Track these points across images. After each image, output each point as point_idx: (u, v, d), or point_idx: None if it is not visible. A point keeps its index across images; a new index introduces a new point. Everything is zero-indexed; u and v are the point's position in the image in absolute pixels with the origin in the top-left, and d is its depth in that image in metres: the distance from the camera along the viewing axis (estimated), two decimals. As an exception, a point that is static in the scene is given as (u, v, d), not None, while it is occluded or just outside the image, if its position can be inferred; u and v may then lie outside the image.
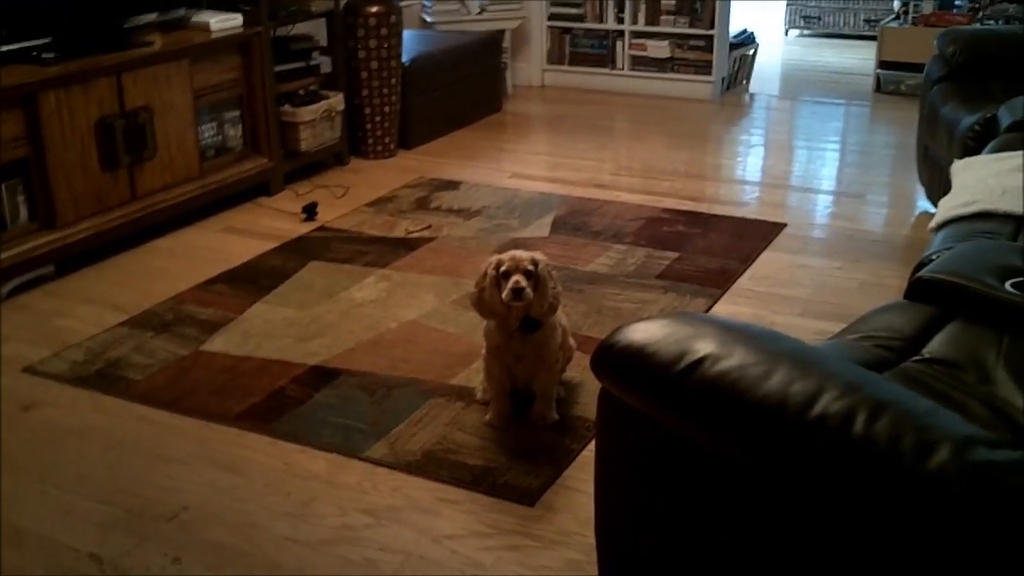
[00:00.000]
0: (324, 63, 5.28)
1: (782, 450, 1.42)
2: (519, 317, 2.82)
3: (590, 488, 2.63)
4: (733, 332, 1.62)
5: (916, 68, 6.78)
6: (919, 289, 2.40)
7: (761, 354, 1.53)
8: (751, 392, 1.46)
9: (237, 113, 4.76)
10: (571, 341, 3.10)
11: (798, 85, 7.62)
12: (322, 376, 3.20)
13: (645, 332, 1.67)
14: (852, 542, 1.37)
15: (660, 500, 1.71)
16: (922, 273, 2.43)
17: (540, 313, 2.83)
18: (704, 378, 1.52)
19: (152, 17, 4.40)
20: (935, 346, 2.19)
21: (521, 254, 2.81)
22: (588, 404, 3.02)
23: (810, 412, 1.40)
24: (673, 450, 1.63)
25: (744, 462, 1.49)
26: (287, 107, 4.99)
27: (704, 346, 1.56)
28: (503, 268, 2.78)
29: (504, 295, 2.75)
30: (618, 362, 1.67)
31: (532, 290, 2.75)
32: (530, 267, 2.77)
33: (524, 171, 5.35)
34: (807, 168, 5.64)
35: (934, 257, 2.64)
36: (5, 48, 3.79)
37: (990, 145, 3.61)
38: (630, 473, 1.81)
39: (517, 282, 2.74)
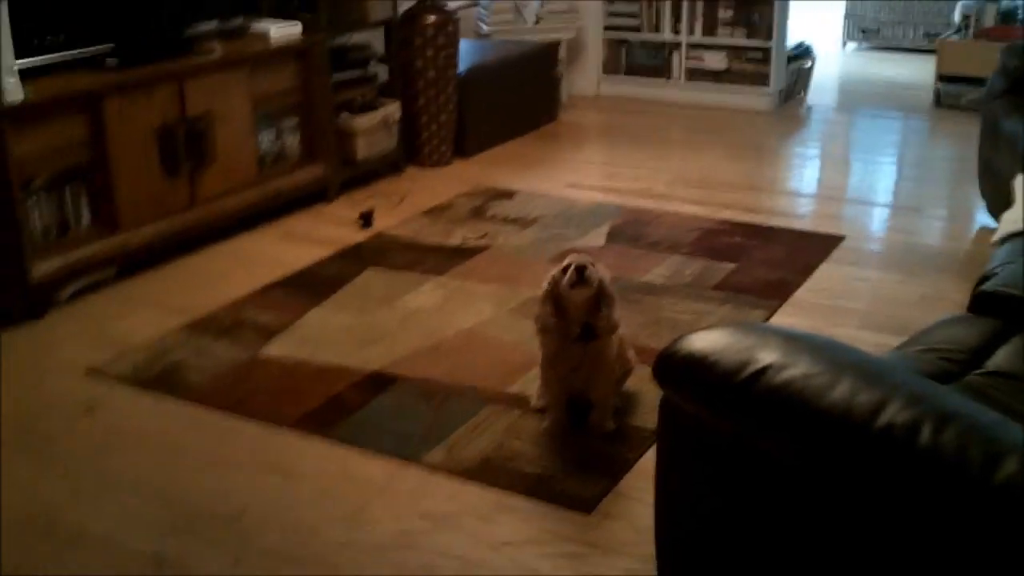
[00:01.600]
0: (381, 72, 5.31)
1: (847, 459, 1.41)
2: (581, 321, 2.81)
3: (647, 497, 2.62)
4: (796, 342, 1.62)
5: (976, 82, 6.70)
6: (983, 302, 2.37)
7: (825, 364, 1.53)
8: (816, 401, 1.46)
9: (295, 121, 4.79)
10: (630, 353, 3.08)
11: (856, 98, 7.55)
12: (379, 382, 3.20)
13: (707, 341, 1.67)
14: (918, 551, 1.36)
15: (721, 508, 1.70)
16: (985, 286, 2.39)
17: (605, 326, 2.82)
18: (768, 387, 1.51)
19: (213, 25, 4.45)
20: (999, 359, 2.16)
21: (579, 255, 2.83)
22: (645, 414, 3.00)
23: (876, 422, 1.39)
24: (735, 458, 1.62)
25: (808, 470, 1.48)
26: (345, 115, 5.02)
27: (767, 355, 1.56)
28: (563, 264, 2.79)
29: (566, 279, 2.74)
30: (680, 370, 1.67)
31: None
32: (590, 260, 2.78)
33: (580, 180, 5.34)
34: (865, 181, 5.58)
35: (997, 271, 2.59)
36: (70, 54, 3.84)
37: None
38: (691, 481, 1.80)
39: (579, 263, 2.74)
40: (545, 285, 2.83)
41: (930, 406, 1.39)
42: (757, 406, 1.52)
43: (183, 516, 2.59)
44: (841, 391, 1.45)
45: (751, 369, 1.54)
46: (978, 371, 2.14)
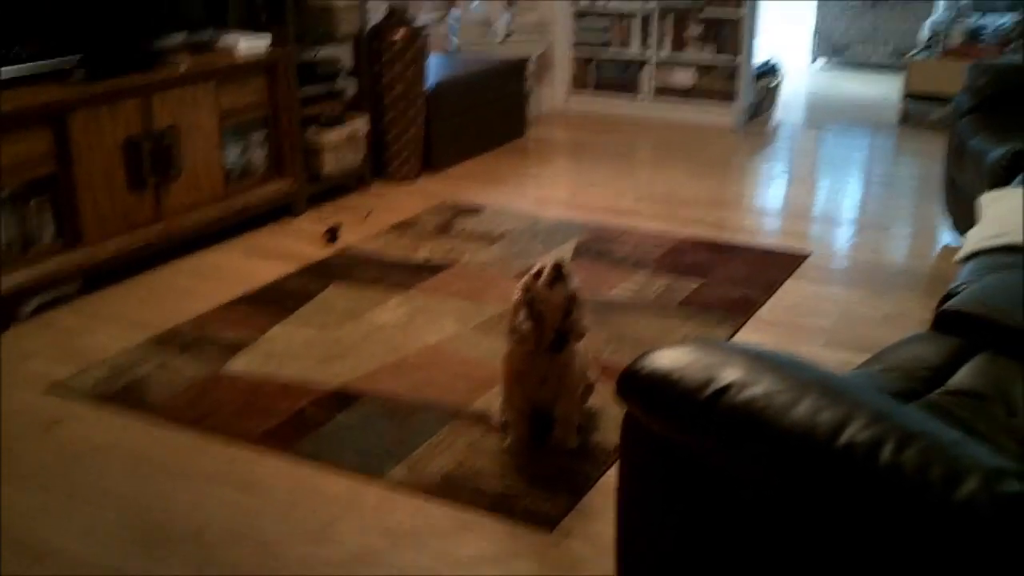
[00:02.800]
0: (349, 86, 5.33)
1: (809, 477, 1.42)
2: (555, 328, 2.81)
3: (609, 515, 2.63)
4: (760, 360, 1.63)
5: (943, 100, 6.79)
6: (946, 320, 2.39)
7: (788, 382, 1.54)
8: (778, 420, 1.47)
9: (262, 135, 4.79)
10: (590, 373, 3.08)
11: (823, 115, 7.63)
12: (343, 398, 3.20)
13: (671, 358, 1.67)
14: (879, 570, 1.37)
15: (684, 526, 1.70)
16: (949, 304, 2.42)
17: (577, 332, 2.83)
18: (731, 405, 1.52)
19: (180, 38, 4.45)
20: (961, 378, 2.18)
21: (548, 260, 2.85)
22: (607, 431, 3.01)
23: (837, 440, 1.39)
24: (698, 476, 1.62)
25: (771, 489, 1.49)
26: (312, 129, 5.02)
27: (731, 373, 1.57)
28: (534, 269, 2.80)
29: (542, 279, 2.74)
30: (644, 387, 1.67)
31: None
32: (562, 259, 2.80)
33: (547, 196, 5.37)
34: (831, 198, 5.63)
35: (961, 289, 2.62)
36: (36, 65, 3.83)
37: (1019, 177, 3.60)
38: (653, 498, 1.80)
39: (556, 261, 2.76)
40: (518, 292, 2.82)
41: (892, 424, 1.40)
42: (720, 424, 1.53)
43: (146, 531, 2.58)
44: (804, 409, 1.46)
45: (714, 387, 1.55)
46: (940, 390, 2.15)
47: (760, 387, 1.52)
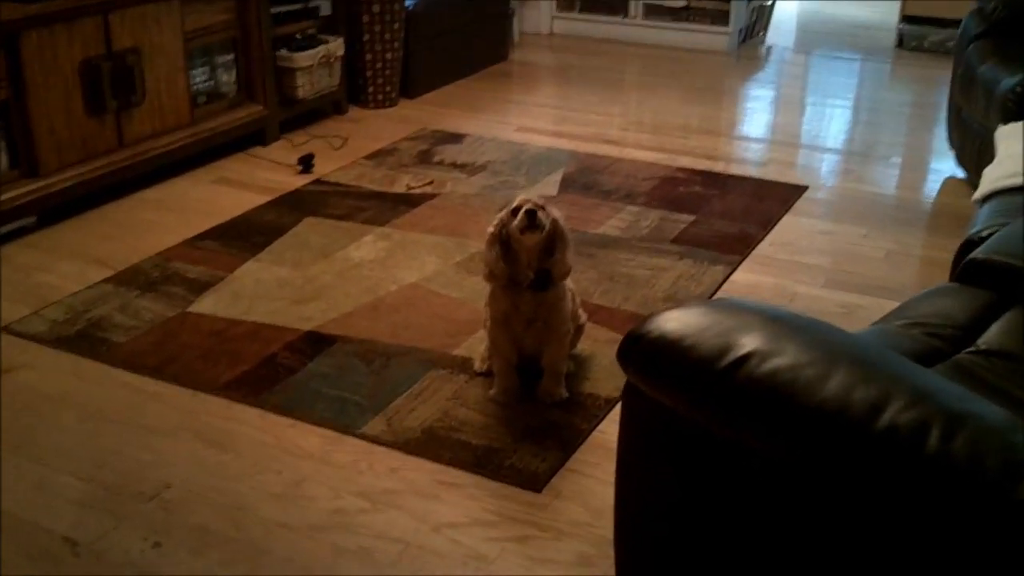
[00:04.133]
0: (323, 5, 5.03)
1: (843, 461, 1.26)
2: (533, 266, 2.62)
3: (601, 473, 2.49)
4: (782, 324, 1.45)
5: (941, 23, 6.57)
6: (972, 271, 2.20)
7: (816, 352, 1.37)
8: (807, 396, 1.30)
9: (231, 57, 4.52)
10: (581, 312, 2.90)
11: (816, 38, 7.36)
12: (317, 342, 3.01)
13: (681, 322, 1.49)
14: (918, 560, 1.23)
15: (691, 504, 1.54)
16: (976, 254, 2.22)
17: (559, 272, 2.64)
18: (752, 377, 1.35)
19: (142, -48, 4.15)
20: (992, 336, 2.00)
21: (530, 196, 2.64)
22: (599, 379, 2.84)
23: (876, 422, 1.24)
24: (709, 452, 1.46)
25: (794, 469, 1.34)
26: (284, 51, 4.74)
27: (750, 340, 1.40)
28: (512, 205, 2.60)
29: (517, 222, 2.55)
30: (649, 355, 1.49)
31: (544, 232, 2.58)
32: (540, 202, 2.59)
33: (531, 124, 5.12)
34: (826, 127, 5.42)
35: (984, 234, 2.43)
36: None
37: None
38: (657, 474, 1.63)
39: (530, 204, 2.55)
40: (491, 228, 2.63)
41: (936, 405, 1.25)
42: (739, 399, 1.36)
43: (101, 491, 2.39)
44: (835, 385, 1.30)
45: (732, 356, 1.38)
46: (969, 350, 1.97)
47: (785, 357, 1.35)
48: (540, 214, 2.55)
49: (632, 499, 1.74)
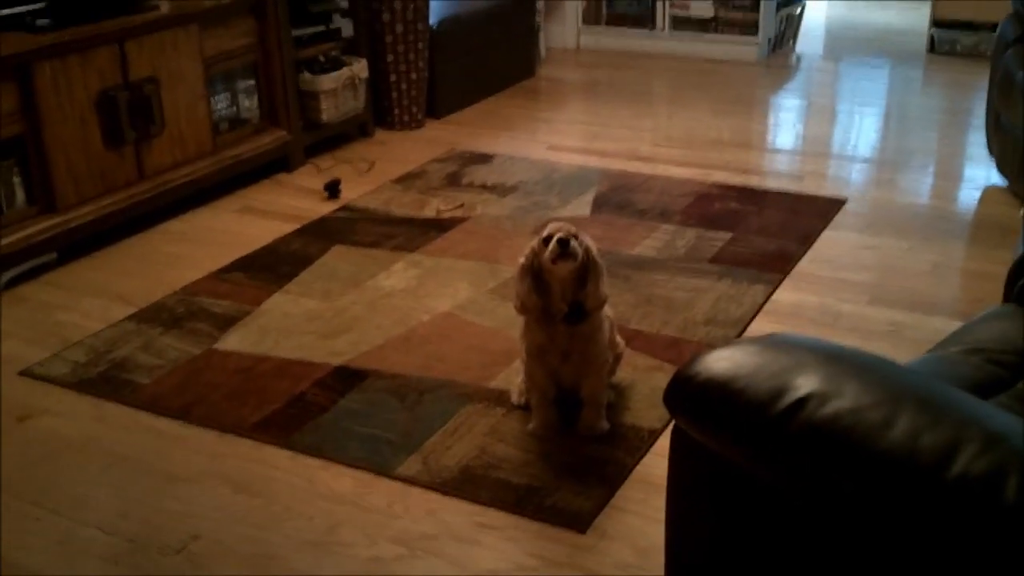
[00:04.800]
0: (345, 26, 4.94)
1: (911, 510, 1.15)
2: (566, 299, 2.50)
3: (647, 511, 2.36)
4: (839, 363, 1.34)
5: (972, 27, 6.43)
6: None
7: (878, 393, 1.26)
8: (871, 442, 1.20)
9: (252, 82, 4.43)
10: (619, 340, 2.79)
11: (846, 45, 7.21)
12: (347, 378, 2.89)
13: (731, 362, 1.39)
14: None
15: (743, 552, 1.43)
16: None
17: (594, 304, 2.52)
18: (809, 422, 1.25)
19: (158, -22, 4.07)
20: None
21: (561, 224, 2.52)
22: (640, 410, 2.72)
23: (949, 470, 1.13)
24: (762, 498, 1.36)
25: (857, 521, 1.22)
26: (306, 75, 4.65)
27: (806, 381, 1.29)
28: (544, 234, 2.48)
29: (548, 253, 2.43)
30: (698, 399, 1.39)
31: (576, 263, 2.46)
32: (572, 231, 2.47)
33: (561, 142, 5.01)
34: (861, 136, 5.28)
35: (1041, 252, 2.28)
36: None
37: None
38: (707, 518, 1.52)
39: (561, 234, 2.44)
40: (522, 259, 2.52)
41: (1011, 450, 1.14)
42: (796, 446, 1.25)
43: (126, 543, 2.29)
44: (901, 429, 1.19)
45: (788, 399, 1.28)
46: (1035, 377, 1.85)
47: (845, 400, 1.25)
48: (573, 243, 2.44)
49: (683, 545, 1.63)
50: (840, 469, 1.21)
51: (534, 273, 2.51)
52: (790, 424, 1.25)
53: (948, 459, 1.14)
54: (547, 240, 2.46)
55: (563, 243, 2.43)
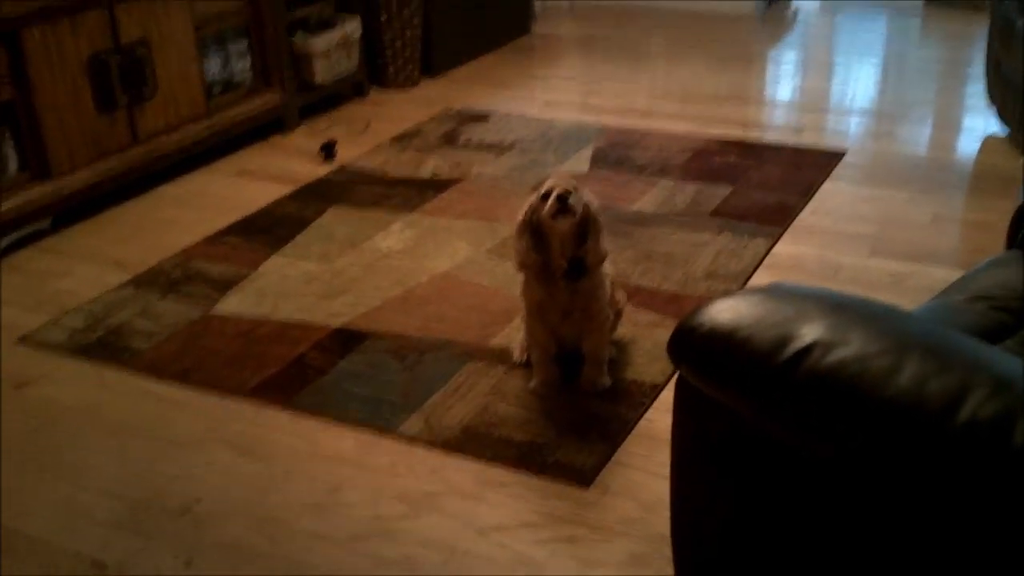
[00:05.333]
0: (338, -15, 4.89)
1: (919, 460, 1.14)
2: (566, 255, 2.48)
3: (650, 466, 2.35)
4: (844, 311, 1.33)
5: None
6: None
7: (883, 340, 1.24)
8: (877, 390, 1.18)
9: (244, 44, 4.38)
10: (620, 294, 2.77)
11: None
12: (347, 340, 2.88)
13: (735, 312, 1.37)
14: (1003, 559, 1.12)
15: (748, 504, 1.42)
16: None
17: (594, 260, 2.50)
18: (814, 371, 1.23)
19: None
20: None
21: (560, 178, 2.48)
22: (642, 365, 2.71)
23: (956, 415, 1.12)
24: (767, 449, 1.34)
25: (863, 469, 1.21)
26: (299, 35, 4.60)
27: (811, 330, 1.28)
28: (542, 190, 2.44)
29: (547, 209, 2.41)
30: (702, 349, 1.38)
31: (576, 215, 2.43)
32: (571, 186, 2.44)
33: (558, 99, 4.97)
34: (859, 89, 5.24)
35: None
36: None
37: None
38: (713, 472, 1.51)
39: (561, 190, 2.40)
40: (521, 215, 2.49)
41: (1019, 394, 1.13)
42: (801, 395, 1.24)
43: (128, 508, 2.28)
44: (908, 376, 1.18)
45: (792, 348, 1.26)
46: (1039, 321, 1.84)
47: (850, 348, 1.24)
48: (572, 198, 2.41)
49: (689, 499, 1.62)
50: (846, 417, 1.20)
51: (533, 229, 2.48)
52: (795, 373, 1.24)
53: (956, 405, 1.13)
54: (546, 196, 2.43)
55: (562, 199, 2.40)
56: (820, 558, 1.34)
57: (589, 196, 2.50)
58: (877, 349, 1.23)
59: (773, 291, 1.44)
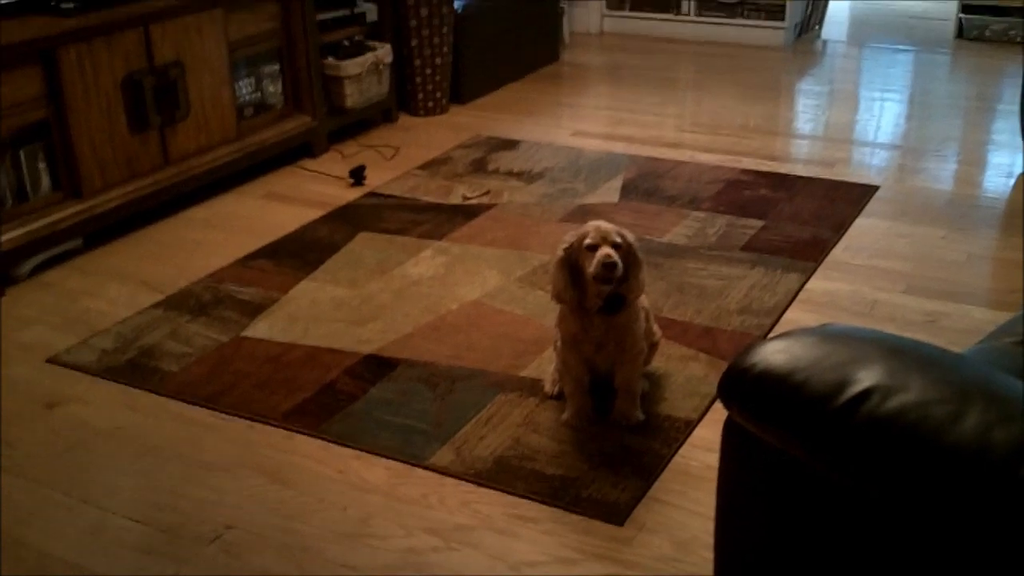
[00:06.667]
0: (370, 11, 4.89)
1: (982, 506, 1.12)
2: (602, 295, 2.46)
3: (686, 503, 2.32)
4: (901, 355, 1.31)
5: (1002, 12, 6.34)
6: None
7: (944, 387, 1.23)
8: (940, 437, 1.16)
9: (276, 67, 4.38)
10: (656, 328, 2.74)
11: (872, 30, 7.13)
12: (378, 367, 2.86)
13: (789, 354, 1.35)
14: None
15: (799, 542, 1.39)
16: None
17: (632, 296, 2.48)
18: (874, 416, 1.21)
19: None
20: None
21: (606, 225, 2.45)
22: (675, 400, 2.68)
23: (1022, 467, 1.10)
24: (823, 494, 1.31)
25: (924, 519, 1.19)
26: (331, 60, 4.61)
27: (869, 374, 1.26)
28: (587, 241, 2.42)
29: (593, 268, 2.38)
30: (755, 391, 1.35)
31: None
32: (617, 239, 2.42)
33: (587, 128, 4.95)
34: (890, 123, 5.20)
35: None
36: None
37: None
38: (761, 511, 1.47)
39: (608, 255, 2.38)
40: (560, 251, 2.47)
41: None
42: (860, 440, 1.22)
43: (160, 533, 2.26)
44: (971, 424, 1.16)
45: (850, 392, 1.24)
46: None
47: (910, 394, 1.22)
48: (619, 264, 2.39)
49: (733, 539, 1.58)
50: (907, 464, 1.18)
51: (571, 265, 2.46)
52: (853, 418, 1.22)
53: (1021, 455, 1.10)
54: (591, 248, 2.41)
55: (608, 267, 2.38)
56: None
57: (630, 236, 2.48)
58: (938, 396, 1.21)
59: (826, 332, 1.42)
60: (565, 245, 2.47)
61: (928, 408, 1.19)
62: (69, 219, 3.50)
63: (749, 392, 1.36)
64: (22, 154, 3.40)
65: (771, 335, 2.66)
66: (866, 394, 1.23)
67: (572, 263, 2.46)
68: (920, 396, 1.21)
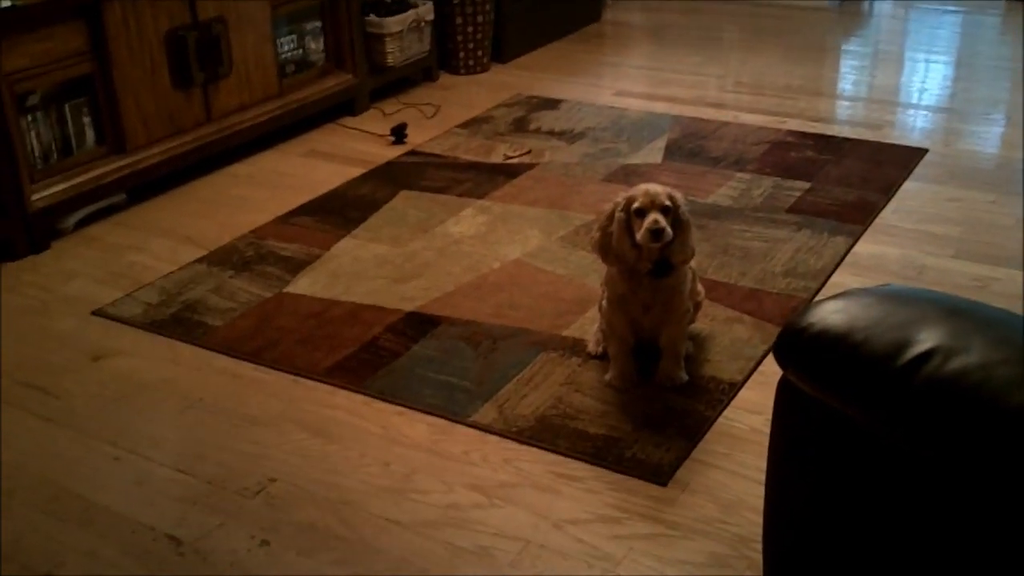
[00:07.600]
0: (412, -32, 4.85)
1: None
2: (652, 259, 2.44)
3: (730, 465, 2.30)
4: (961, 316, 1.29)
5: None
6: None
7: (1007, 348, 1.21)
8: (1003, 400, 1.14)
9: (318, 24, 4.36)
10: (700, 288, 2.71)
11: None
12: (420, 324, 2.85)
13: (848, 313, 1.34)
14: None
15: (852, 504, 1.37)
16: None
17: (680, 259, 2.46)
18: (935, 377, 1.19)
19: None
20: None
21: (655, 188, 2.43)
22: (719, 362, 2.66)
23: None
24: (876, 456, 1.30)
25: (980, 478, 1.17)
26: (372, 17, 4.57)
27: (930, 335, 1.24)
28: (636, 205, 2.39)
29: (640, 236, 2.37)
30: (812, 352, 1.34)
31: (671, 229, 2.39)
32: (667, 203, 2.40)
33: (629, 88, 4.90)
34: (941, 85, 5.11)
35: None
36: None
37: None
38: (814, 477, 1.46)
39: (656, 221, 2.36)
40: (620, 212, 2.43)
41: None
42: (920, 401, 1.20)
43: (204, 485, 2.27)
44: None
45: (911, 353, 1.23)
46: None
47: (972, 355, 1.20)
48: (667, 229, 2.37)
49: (785, 501, 1.57)
50: (968, 426, 1.16)
51: (626, 227, 2.44)
52: (914, 378, 1.20)
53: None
54: (640, 213, 2.40)
55: (656, 234, 2.37)
56: (919, 557, 1.30)
57: (679, 197, 2.46)
58: (1001, 357, 1.19)
59: (885, 292, 1.40)
60: (620, 207, 2.45)
61: (991, 369, 1.17)
62: (113, 174, 3.51)
63: (806, 352, 1.35)
64: (67, 108, 3.41)
65: (817, 298, 2.64)
66: (927, 355, 1.21)
67: (626, 225, 2.44)
68: (983, 357, 1.19)
